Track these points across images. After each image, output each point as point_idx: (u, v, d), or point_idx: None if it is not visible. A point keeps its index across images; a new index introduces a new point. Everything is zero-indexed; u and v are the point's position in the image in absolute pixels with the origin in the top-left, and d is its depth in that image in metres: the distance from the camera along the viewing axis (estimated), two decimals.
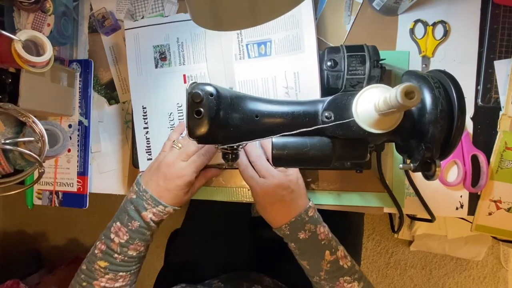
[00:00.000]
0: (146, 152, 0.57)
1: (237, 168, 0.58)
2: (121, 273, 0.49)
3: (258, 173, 0.50)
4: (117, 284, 0.49)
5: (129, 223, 0.48)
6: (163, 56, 0.56)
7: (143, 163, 0.57)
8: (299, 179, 0.50)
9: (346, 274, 0.47)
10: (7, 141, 0.44)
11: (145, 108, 0.57)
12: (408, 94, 0.27)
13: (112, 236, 0.48)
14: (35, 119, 0.46)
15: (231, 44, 0.54)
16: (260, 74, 0.54)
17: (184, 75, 0.56)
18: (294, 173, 0.50)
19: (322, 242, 0.48)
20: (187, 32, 0.55)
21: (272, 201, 0.48)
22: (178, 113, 0.56)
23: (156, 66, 0.56)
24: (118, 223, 0.49)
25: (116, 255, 0.48)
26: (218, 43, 0.55)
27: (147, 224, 0.48)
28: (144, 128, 0.57)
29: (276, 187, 0.48)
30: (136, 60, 0.57)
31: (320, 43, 0.57)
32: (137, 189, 0.49)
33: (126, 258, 0.49)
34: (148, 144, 0.57)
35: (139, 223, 0.48)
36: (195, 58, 0.55)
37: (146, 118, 0.57)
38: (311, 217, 0.48)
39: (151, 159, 0.57)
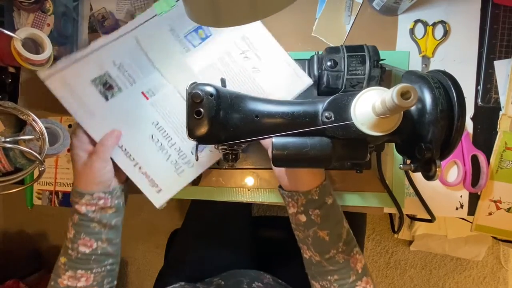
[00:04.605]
0: (152, 186, 0.52)
1: (236, 168, 0.58)
2: (80, 271, 0.48)
3: None
4: (79, 284, 0.48)
5: (71, 218, 0.50)
6: (107, 85, 0.51)
7: (155, 198, 0.52)
8: None
9: (356, 245, 0.47)
10: (8, 139, 0.44)
11: (122, 146, 0.52)
12: (404, 94, 0.27)
13: (67, 232, 0.50)
14: (35, 117, 0.46)
15: (170, 43, 0.52)
16: (214, 55, 0.53)
17: (142, 92, 0.52)
18: None
19: (339, 208, 0.47)
20: (119, 51, 0.52)
21: None
22: (160, 131, 0.52)
23: (107, 99, 0.51)
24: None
25: (70, 251, 0.49)
26: (158, 47, 0.52)
27: (86, 216, 0.48)
28: (135, 165, 0.52)
29: None
30: (78, 104, 0.51)
31: (320, 43, 0.57)
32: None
33: (79, 255, 0.48)
34: (149, 178, 0.52)
35: (77, 216, 0.49)
36: (143, 71, 0.52)
37: (130, 155, 0.52)
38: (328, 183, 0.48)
39: (160, 189, 0.52)
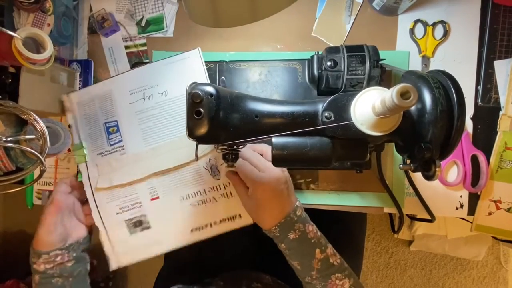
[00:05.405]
0: None
1: None
2: None
3: (256, 168, 0.49)
4: None
5: (33, 279, 0.50)
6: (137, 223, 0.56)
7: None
8: (288, 175, 0.51)
9: (337, 271, 0.48)
10: (9, 139, 0.44)
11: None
12: (404, 94, 0.27)
13: None
14: (36, 116, 0.46)
15: (112, 162, 0.55)
16: (137, 126, 0.54)
17: (152, 199, 0.56)
18: (285, 169, 0.50)
19: (312, 241, 0.48)
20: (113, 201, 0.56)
21: (271, 196, 0.47)
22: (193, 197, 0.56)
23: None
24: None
25: None
26: (115, 173, 0.55)
27: (45, 273, 0.49)
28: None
29: (277, 180, 0.48)
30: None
31: (320, 43, 0.57)
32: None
33: None
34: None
35: (38, 275, 0.50)
36: (134, 195, 0.55)
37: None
38: (299, 217, 0.48)
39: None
